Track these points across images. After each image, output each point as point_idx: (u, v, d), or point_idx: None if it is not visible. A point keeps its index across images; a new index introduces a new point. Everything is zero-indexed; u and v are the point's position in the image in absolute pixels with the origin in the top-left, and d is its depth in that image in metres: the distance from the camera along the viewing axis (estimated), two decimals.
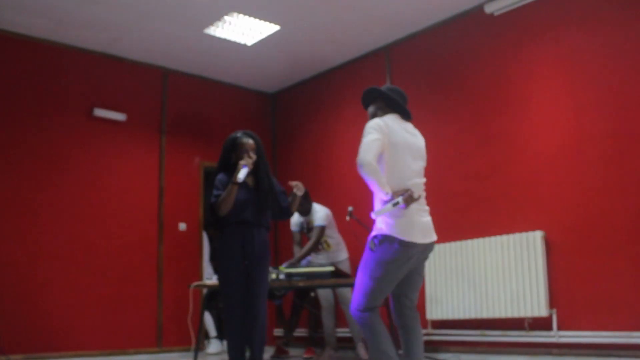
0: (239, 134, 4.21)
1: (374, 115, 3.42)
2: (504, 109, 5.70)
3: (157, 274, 6.84)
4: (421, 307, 5.98)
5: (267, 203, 4.19)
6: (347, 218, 5.44)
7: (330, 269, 5.17)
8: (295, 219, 6.23)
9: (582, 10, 5.27)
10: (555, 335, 5.06)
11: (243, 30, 6.35)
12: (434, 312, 5.88)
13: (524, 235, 5.29)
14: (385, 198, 3.12)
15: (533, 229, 5.27)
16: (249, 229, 4.13)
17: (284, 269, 5.42)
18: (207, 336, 7.01)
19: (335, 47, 6.88)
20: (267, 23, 6.24)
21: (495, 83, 5.80)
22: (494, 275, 5.44)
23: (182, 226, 7.15)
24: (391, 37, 6.66)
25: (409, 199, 3.09)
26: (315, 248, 6.08)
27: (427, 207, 3.38)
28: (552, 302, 5.12)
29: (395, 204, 3.05)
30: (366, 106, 3.59)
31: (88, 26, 6.24)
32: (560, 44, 5.37)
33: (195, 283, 5.74)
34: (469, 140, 5.94)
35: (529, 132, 5.49)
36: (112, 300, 6.45)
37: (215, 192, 4.10)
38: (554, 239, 5.20)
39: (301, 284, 5.29)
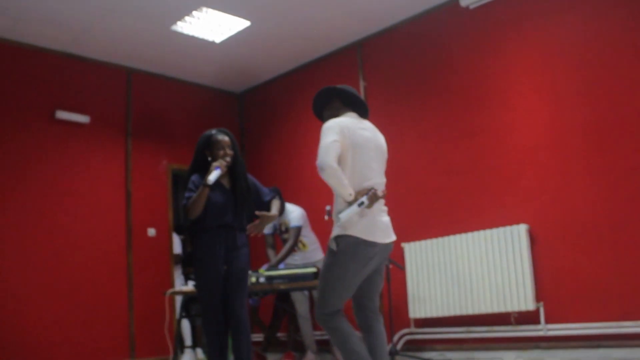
0: (213, 132, 4.03)
1: (330, 118, 3.28)
2: (483, 102, 5.63)
3: (127, 282, 6.55)
4: (403, 305, 5.88)
5: (244, 205, 4.04)
6: (326, 217, 5.25)
7: (313, 269, 5.00)
8: None
9: (560, 1, 5.24)
10: (543, 329, 5.01)
11: (212, 26, 6.13)
12: (417, 310, 5.77)
13: (507, 229, 5.23)
14: (349, 199, 3.06)
15: (517, 222, 5.21)
16: (230, 232, 3.96)
17: (264, 272, 5.24)
18: (181, 345, 6.74)
19: (306, 43, 6.72)
20: (237, 18, 6.03)
21: (473, 77, 5.73)
22: (478, 271, 5.37)
23: (152, 232, 6.87)
24: (363, 32, 6.53)
25: (373, 198, 3.07)
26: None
27: (385, 207, 3.33)
28: (539, 295, 5.07)
29: (361, 204, 3.03)
30: (319, 112, 3.47)
31: (48, 24, 5.91)
32: (539, 35, 5.34)
33: (171, 290, 5.51)
34: (448, 135, 5.86)
35: (509, 124, 5.44)
36: (81, 311, 6.13)
37: (187, 194, 3.90)
38: (539, 232, 5.15)
39: (282, 286, 5.12)
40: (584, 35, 5.07)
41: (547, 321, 5.02)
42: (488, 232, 5.34)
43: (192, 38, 6.36)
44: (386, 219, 3.28)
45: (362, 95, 6.54)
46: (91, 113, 6.56)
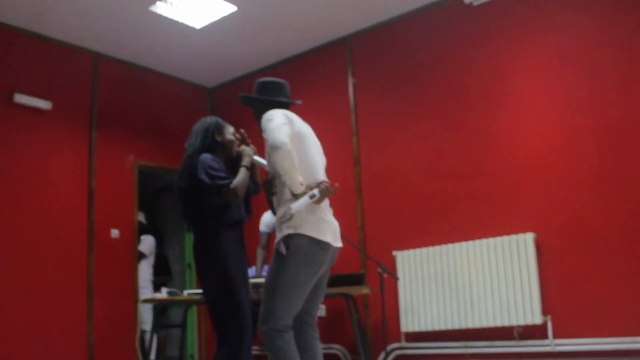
0: (215, 117, 3.70)
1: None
2: (486, 104, 5.33)
3: (87, 288, 5.90)
4: (394, 318, 5.49)
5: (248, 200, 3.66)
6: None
7: None
8: (268, 219, 5.50)
9: (570, 1, 5.01)
10: (551, 344, 4.72)
11: (195, 9, 5.62)
12: (409, 323, 5.39)
13: (513, 237, 4.93)
14: (299, 190, 2.73)
15: (523, 231, 4.91)
16: (241, 230, 3.55)
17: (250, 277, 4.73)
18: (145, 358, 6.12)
19: (293, 35, 6.27)
20: (224, 2, 5.55)
21: (475, 77, 5.42)
22: (480, 282, 5.04)
23: (115, 233, 6.25)
24: (355, 25, 6.14)
25: (325, 191, 2.77)
26: None
27: (331, 209, 3.00)
28: (546, 308, 4.77)
29: (312, 196, 2.70)
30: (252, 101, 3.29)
31: None
32: (548, 35, 5.09)
33: (145, 297, 4.94)
34: (447, 137, 5.53)
35: (516, 127, 5.15)
36: (35, 319, 5.44)
37: (218, 173, 3.29)
38: (546, 241, 4.87)
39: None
40: (595, 36, 4.86)
41: (555, 336, 4.72)
42: (491, 240, 5.03)
43: (171, 21, 5.82)
44: (335, 221, 2.97)
45: (350, 93, 6.17)
46: (53, 99, 5.91)
